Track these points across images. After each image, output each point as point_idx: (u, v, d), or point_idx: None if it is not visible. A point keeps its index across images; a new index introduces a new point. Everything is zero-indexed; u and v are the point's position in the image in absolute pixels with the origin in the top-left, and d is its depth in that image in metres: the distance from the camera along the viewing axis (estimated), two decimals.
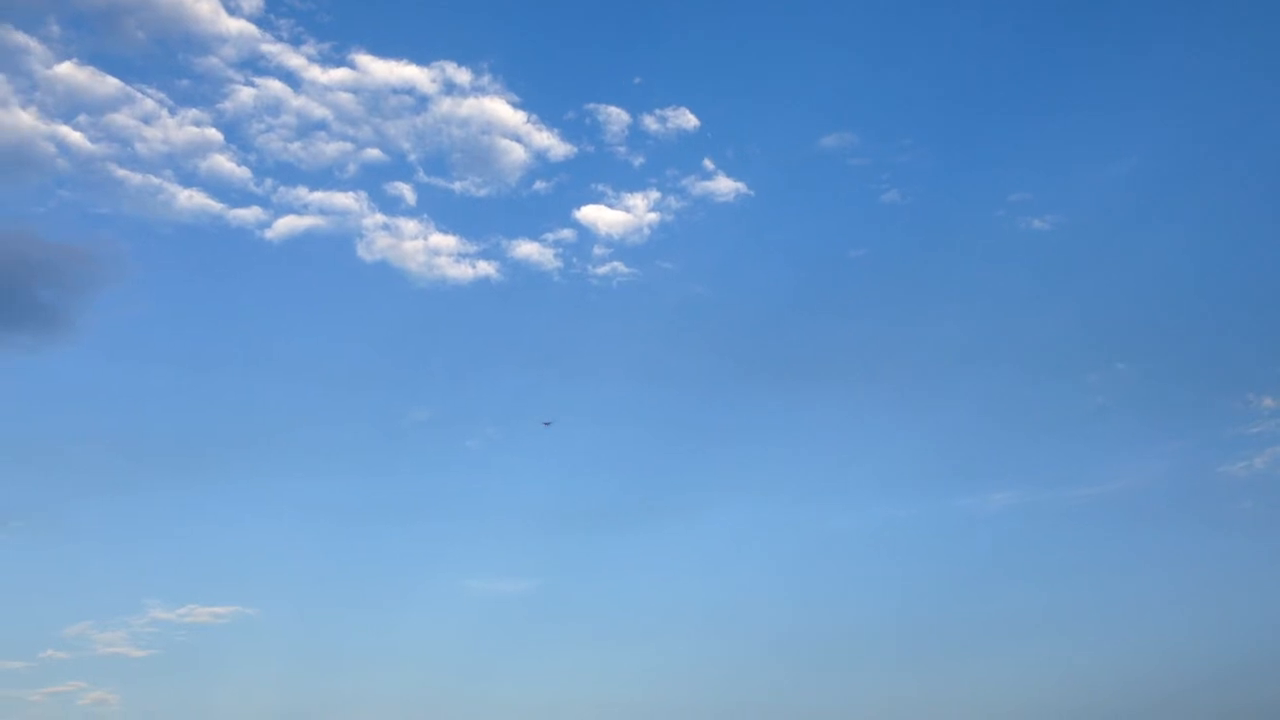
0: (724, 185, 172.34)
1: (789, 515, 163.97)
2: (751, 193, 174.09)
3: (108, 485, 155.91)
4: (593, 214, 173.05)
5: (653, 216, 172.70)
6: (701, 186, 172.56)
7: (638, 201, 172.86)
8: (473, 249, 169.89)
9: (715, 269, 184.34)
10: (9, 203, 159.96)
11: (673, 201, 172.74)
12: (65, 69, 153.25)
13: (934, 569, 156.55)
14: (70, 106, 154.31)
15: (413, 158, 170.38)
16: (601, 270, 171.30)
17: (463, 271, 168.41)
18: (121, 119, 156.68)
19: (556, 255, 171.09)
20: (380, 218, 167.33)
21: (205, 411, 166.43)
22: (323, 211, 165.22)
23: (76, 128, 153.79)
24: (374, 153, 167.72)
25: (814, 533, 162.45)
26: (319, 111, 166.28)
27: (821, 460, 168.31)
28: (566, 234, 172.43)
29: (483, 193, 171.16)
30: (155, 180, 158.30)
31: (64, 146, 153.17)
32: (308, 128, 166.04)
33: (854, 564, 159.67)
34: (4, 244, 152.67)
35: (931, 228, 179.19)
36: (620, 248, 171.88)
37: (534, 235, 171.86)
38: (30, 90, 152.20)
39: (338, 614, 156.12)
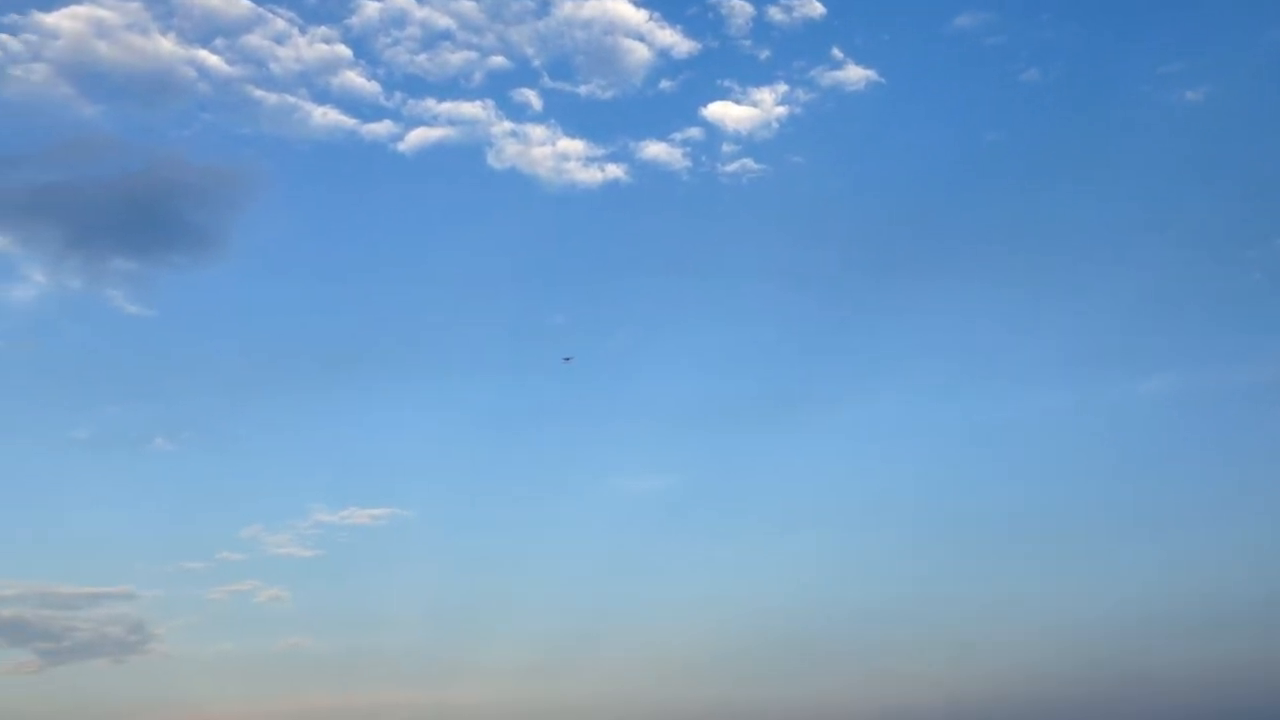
0: (853, 74, 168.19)
1: (932, 408, 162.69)
2: (882, 80, 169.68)
3: (266, 395, 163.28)
4: (719, 111, 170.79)
5: (781, 110, 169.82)
6: (830, 77, 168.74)
7: (765, 96, 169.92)
8: (600, 152, 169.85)
9: (847, 161, 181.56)
10: (156, 128, 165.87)
11: (801, 94, 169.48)
12: None
13: (1086, 457, 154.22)
14: (207, 30, 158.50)
15: (537, 63, 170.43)
16: (730, 168, 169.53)
17: (592, 175, 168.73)
18: (255, 40, 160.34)
19: (684, 155, 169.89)
20: (508, 125, 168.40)
21: (352, 321, 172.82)
22: (451, 122, 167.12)
23: (214, 51, 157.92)
24: (499, 60, 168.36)
25: (960, 424, 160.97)
26: (443, 21, 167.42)
27: (966, 351, 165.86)
28: (694, 133, 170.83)
29: (608, 95, 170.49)
30: (290, 99, 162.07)
31: (203, 70, 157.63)
32: (433, 38, 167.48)
33: (1003, 454, 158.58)
34: (154, 168, 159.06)
35: (1075, 106, 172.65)
36: (748, 144, 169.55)
37: (661, 135, 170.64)
38: (168, 17, 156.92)
39: (488, 513, 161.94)
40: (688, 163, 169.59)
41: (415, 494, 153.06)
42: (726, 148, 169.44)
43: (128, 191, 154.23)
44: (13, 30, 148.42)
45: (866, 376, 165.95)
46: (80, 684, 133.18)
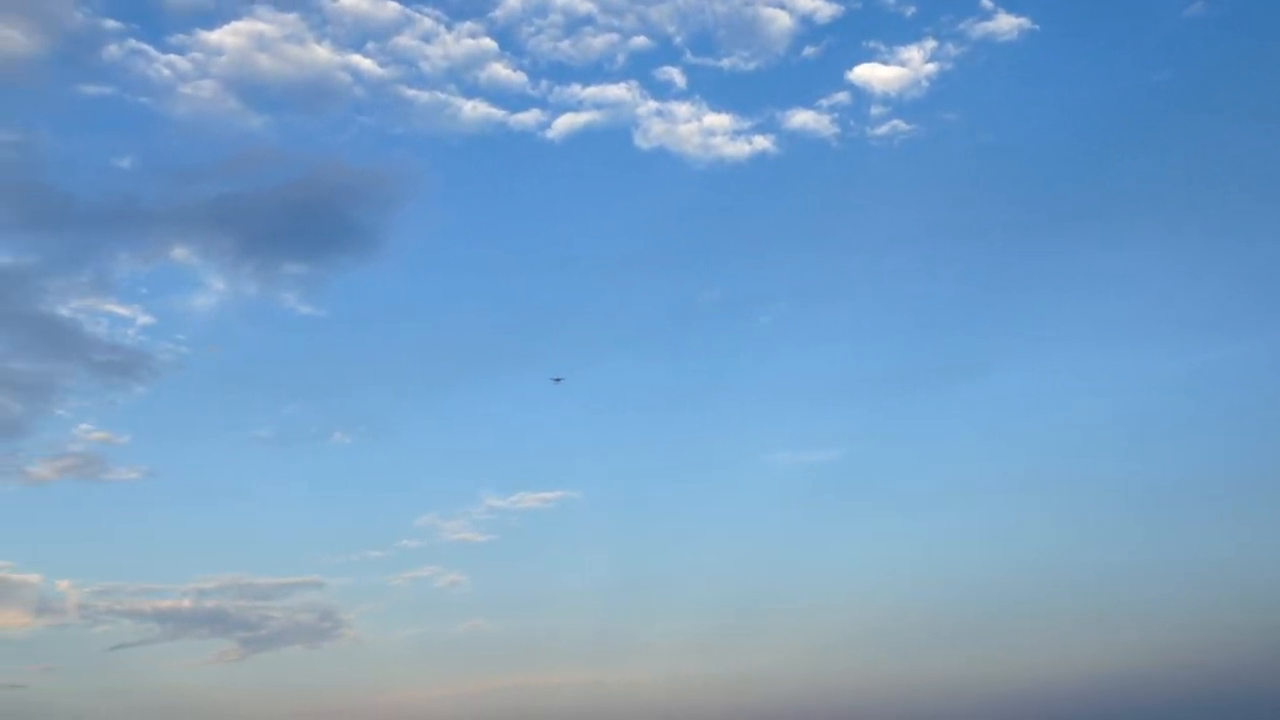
0: (1005, 23, 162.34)
1: (1100, 367, 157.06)
2: (1036, 27, 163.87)
3: (434, 387, 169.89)
4: (866, 73, 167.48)
5: (930, 68, 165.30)
6: (980, 28, 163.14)
7: (913, 54, 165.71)
8: (747, 124, 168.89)
9: (1002, 114, 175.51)
10: (316, 134, 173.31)
11: (950, 49, 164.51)
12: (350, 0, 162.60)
13: (1259, 411, 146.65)
14: (358, 35, 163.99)
15: (679, 40, 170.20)
16: (880, 130, 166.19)
17: (739, 149, 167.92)
18: (404, 40, 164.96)
19: (832, 121, 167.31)
20: (653, 104, 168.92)
21: (511, 310, 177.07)
22: (597, 106, 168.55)
23: (366, 55, 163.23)
24: (640, 40, 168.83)
25: (1132, 381, 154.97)
26: (584, 6, 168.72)
27: (1136, 306, 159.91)
28: (841, 97, 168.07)
29: (751, 66, 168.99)
30: (441, 95, 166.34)
31: (357, 74, 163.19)
32: (574, 24, 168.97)
33: (1181, 411, 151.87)
34: (317, 173, 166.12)
35: (1246, 38, 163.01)
36: (898, 104, 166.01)
37: (807, 103, 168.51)
38: (322, 25, 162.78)
39: (652, 493, 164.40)
40: (836, 129, 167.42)
41: (582, 476, 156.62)
42: (875, 110, 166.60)
43: (294, 198, 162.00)
44: (181, 50, 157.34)
45: (1030, 339, 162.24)
46: (278, 669, 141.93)
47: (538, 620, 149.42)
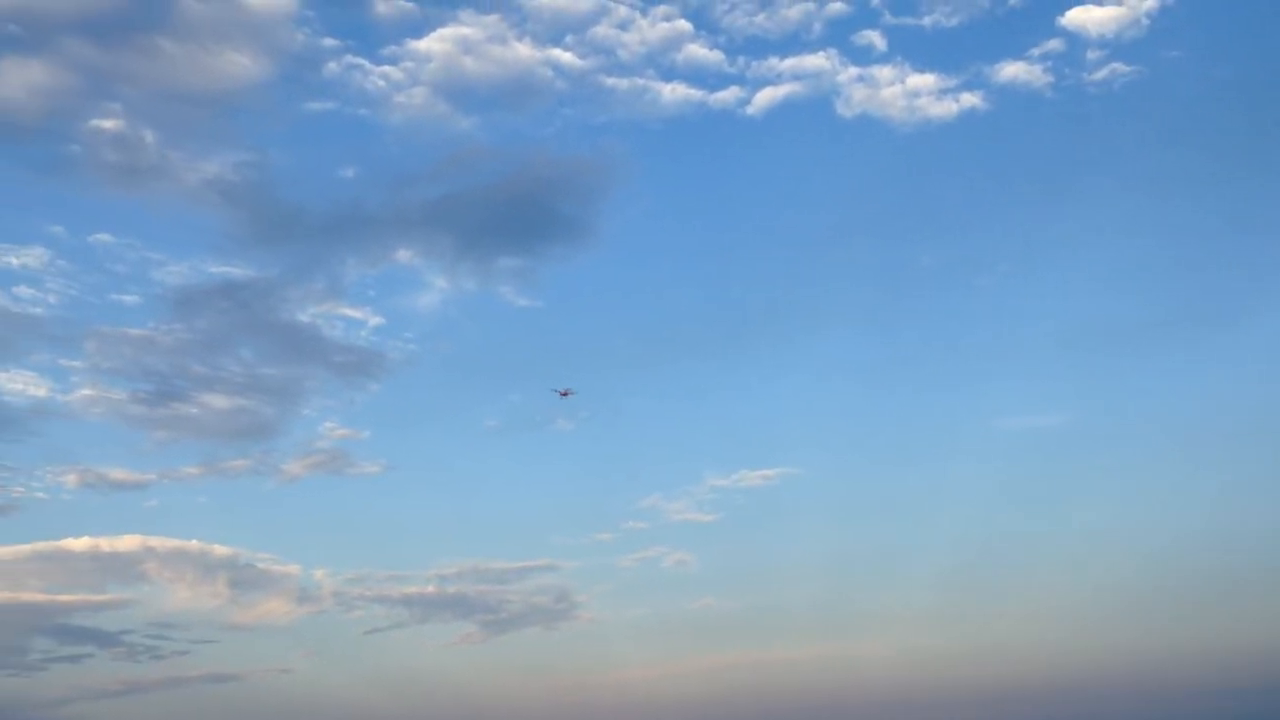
0: None
1: None
2: None
3: (650, 370, 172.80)
4: (1080, 16, 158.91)
5: (1150, 3, 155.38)
6: None
7: None
8: (953, 82, 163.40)
9: (1234, 48, 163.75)
10: (522, 129, 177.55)
11: None
12: None
13: None
14: (557, 29, 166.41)
15: (876, 2, 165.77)
16: (1098, 76, 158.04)
17: (946, 108, 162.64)
18: (602, 30, 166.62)
19: (1045, 70, 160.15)
20: (853, 71, 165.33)
21: (720, 289, 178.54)
22: (796, 77, 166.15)
23: (566, 48, 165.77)
24: (837, 6, 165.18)
25: None
26: None
27: None
28: (1053, 45, 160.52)
29: (954, 21, 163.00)
30: (640, 81, 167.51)
31: (558, 68, 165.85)
32: None
33: None
34: (526, 167, 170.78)
35: None
36: (1116, 46, 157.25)
37: (1017, 54, 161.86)
38: (522, 23, 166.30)
39: (874, 464, 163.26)
40: (1049, 78, 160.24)
41: (802, 452, 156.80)
42: (1091, 55, 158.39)
43: (506, 194, 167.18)
44: (393, 60, 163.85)
45: (1271, 285, 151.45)
46: (518, 650, 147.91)
47: (767, 597, 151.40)
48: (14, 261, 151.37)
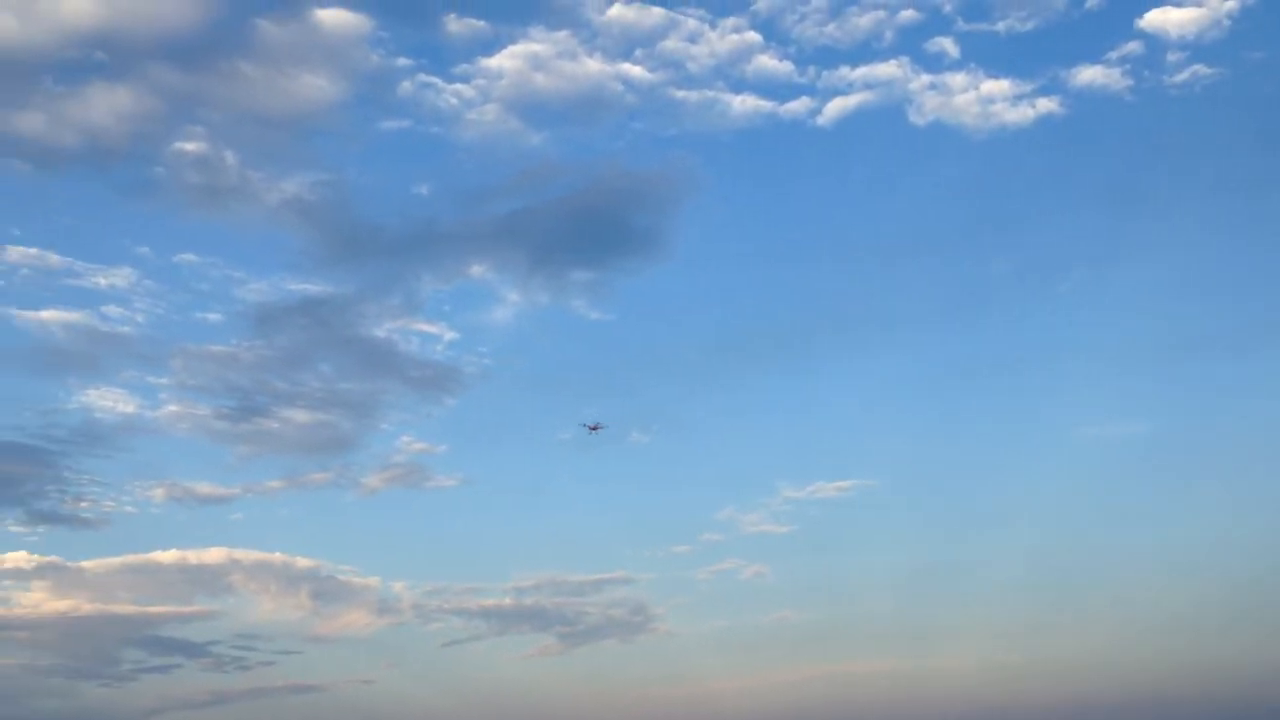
0: None
1: None
2: None
3: (722, 381, 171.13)
4: (1158, 18, 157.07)
5: (1231, 4, 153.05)
6: None
7: None
8: (1028, 88, 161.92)
9: None
10: (593, 144, 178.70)
11: None
12: (615, 11, 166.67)
13: None
14: (626, 44, 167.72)
15: (948, 8, 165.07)
16: (1178, 78, 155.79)
17: (1021, 114, 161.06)
18: (671, 44, 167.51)
19: (1123, 74, 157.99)
20: (925, 78, 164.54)
21: (793, 299, 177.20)
22: (868, 86, 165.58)
23: (635, 62, 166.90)
24: (909, 14, 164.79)
25: None
26: None
27: None
28: (1131, 47, 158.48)
29: (1029, 25, 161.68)
30: (709, 94, 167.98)
31: (628, 81, 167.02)
32: (839, 5, 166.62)
33: None
34: (597, 181, 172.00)
35: None
36: (1197, 49, 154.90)
37: (1094, 58, 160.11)
38: (592, 39, 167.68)
39: (951, 475, 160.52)
40: (1128, 81, 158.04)
41: (877, 463, 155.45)
42: (1172, 57, 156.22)
43: (578, 208, 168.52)
44: (465, 78, 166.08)
45: None
46: (597, 662, 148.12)
47: (845, 609, 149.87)
48: (103, 282, 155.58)
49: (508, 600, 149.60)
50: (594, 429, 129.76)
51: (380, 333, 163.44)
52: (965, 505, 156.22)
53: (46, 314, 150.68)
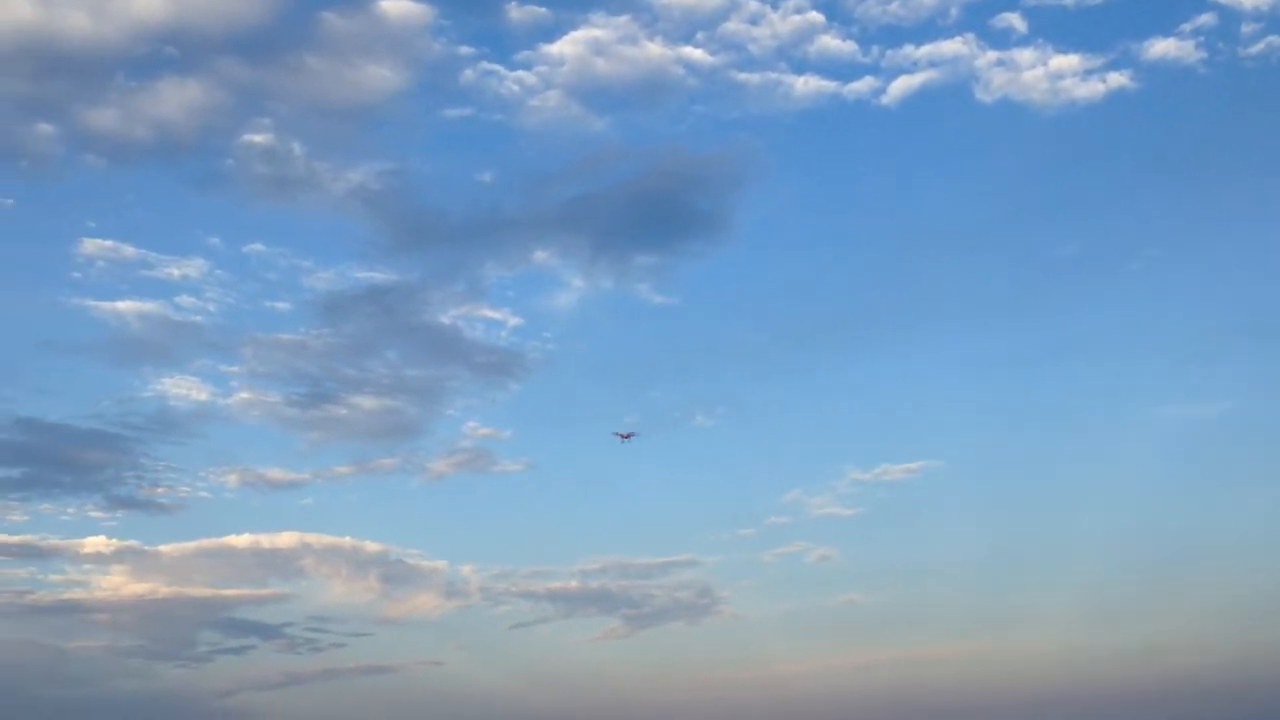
0: None
1: None
2: None
3: (787, 364, 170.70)
4: None
5: None
6: None
7: None
8: (1099, 62, 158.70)
9: None
10: (655, 128, 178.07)
11: None
12: None
13: None
14: (687, 27, 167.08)
15: None
16: (1254, 50, 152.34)
17: (1091, 89, 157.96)
18: (732, 26, 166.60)
19: (1197, 46, 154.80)
20: (992, 55, 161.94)
21: (858, 281, 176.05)
22: (933, 64, 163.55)
23: (696, 45, 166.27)
24: None
25: None
26: None
27: None
28: (1205, 19, 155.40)
29: None
30: (772, 75, 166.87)
31: (690, 65, 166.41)
32: None
33: None
34: (660, 164, 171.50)
35: None
36: (1272, 19, 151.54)
37: (1167, 30, 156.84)
38: (653, 23, 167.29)
39: (1022, 456, 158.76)
40: (1202, 54, 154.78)
41: (945, 444, 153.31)
42: (1247, 28, 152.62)
43: (640, 192, 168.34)
44: (527, 65, 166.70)
45: None
46: (663, 645, 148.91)
47: (914, 592, 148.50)
48: (176, 272, 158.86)
49: (574, 583, 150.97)
50: (626, 437, 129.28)
51: (445, 319, 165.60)
52: (1037, 485, 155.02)
53: (122, 305, 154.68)
